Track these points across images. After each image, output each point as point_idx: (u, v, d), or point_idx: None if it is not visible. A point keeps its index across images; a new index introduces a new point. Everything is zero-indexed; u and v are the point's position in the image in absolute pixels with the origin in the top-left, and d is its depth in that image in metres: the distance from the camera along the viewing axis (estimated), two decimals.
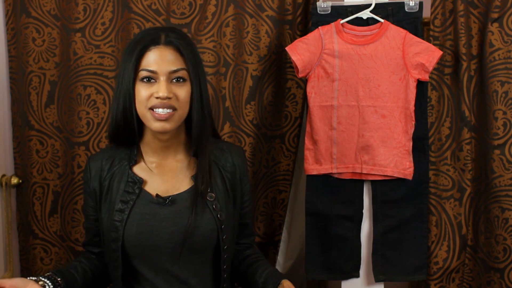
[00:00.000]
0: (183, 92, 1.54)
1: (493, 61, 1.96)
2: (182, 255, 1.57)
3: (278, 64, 2.13)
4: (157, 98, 1.51)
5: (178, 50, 1.54)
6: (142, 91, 1.52)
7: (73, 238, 2.15)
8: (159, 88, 1.51)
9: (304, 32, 2.10)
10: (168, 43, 1.54)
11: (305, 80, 2.03)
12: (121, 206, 1.58)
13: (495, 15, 1.95)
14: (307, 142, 1.98)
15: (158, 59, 1.52)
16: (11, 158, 2.19)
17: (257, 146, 2.14)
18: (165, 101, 1.51)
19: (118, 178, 1.62)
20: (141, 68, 1.53)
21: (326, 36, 1.94)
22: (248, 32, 2.10)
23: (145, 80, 1.53)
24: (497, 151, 1.95)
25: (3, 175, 2.16)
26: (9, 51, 2.16)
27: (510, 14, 1.95)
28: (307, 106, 1.97)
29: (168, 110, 1.52)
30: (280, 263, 2.27)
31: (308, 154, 1.98)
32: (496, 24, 1.96)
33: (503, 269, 1.96)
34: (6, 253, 2.16)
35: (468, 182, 1.99)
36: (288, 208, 2.22)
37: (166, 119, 1.52)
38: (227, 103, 2.11)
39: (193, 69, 1.55)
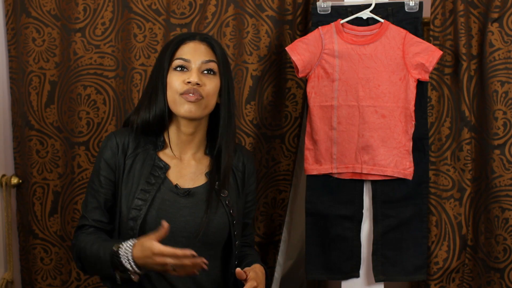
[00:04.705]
0: (212, 83, 1.65)
1: (493, 61, 1.96)
2: (195, 247, 1.58)
3: (278, 64, 2.13)
4: (188, 83, 1.61)
5: (211, 46, 1.68)
6: (175, 79, 1.64)
7: None
8: (191, 74, 1.63)
9: (304, 32, 2.10)
10: (202, 40, 1.69)
11: (305, 80, 2.03)
12: (146, 187, 1.62)
13: (495, 15, 1.95)
14: (307, 142, 1.98)
15: (192, 50, 1.66)
16: (11, 158, 2.19)
17: (257, 146, 2.13)
18: (195, 86, 1.61)
19: (142, 160, 1.66)
20: (175, 57, 1.65)
21: (326, 36, 1.94)
22: (248, 32, 2.09)
23: (178, 69, 1.65)
24: (497, 151, 1.95)
25: (3, 175, 2.16)
26: (9, 51, 2.16)
27: (510, 14, 1.95)
28: (307, 106, 1.97)
29: (196, 96, 1.62)
30: (280, 263, 2.26)
31: (308, 154, 1.98)
32: (496, 24, 1.96)
33: (503, 269, 1.96)
34: (6, 253, 2.16)
35: (468, 182, 1.98)
36: (288, 208, 2.21)
37: (194, 101, 1.61)
38: None
39: (224, 65, 1.68)
